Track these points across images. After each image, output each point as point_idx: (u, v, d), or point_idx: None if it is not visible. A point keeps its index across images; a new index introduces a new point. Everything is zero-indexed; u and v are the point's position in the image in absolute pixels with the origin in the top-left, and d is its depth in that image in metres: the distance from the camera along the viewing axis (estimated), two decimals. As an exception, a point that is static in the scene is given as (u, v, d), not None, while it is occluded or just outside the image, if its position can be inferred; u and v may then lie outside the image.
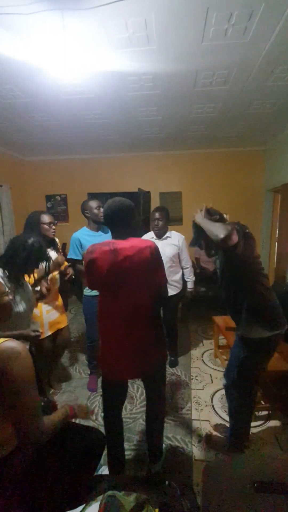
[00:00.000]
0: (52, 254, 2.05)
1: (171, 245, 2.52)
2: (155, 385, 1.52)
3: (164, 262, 2.47)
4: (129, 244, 1.29)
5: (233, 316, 1.57)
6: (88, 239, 2.19)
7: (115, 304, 1.32)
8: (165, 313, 2.65)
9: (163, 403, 1.62)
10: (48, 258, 1.77)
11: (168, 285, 2.51)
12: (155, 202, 4.78)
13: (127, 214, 1.35)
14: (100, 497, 0.95)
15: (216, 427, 1.90)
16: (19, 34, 1.63)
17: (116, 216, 1.34)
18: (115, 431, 1.52)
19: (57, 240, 2.21)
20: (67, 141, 3.87)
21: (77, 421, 1.94)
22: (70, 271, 2.16)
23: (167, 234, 2.56)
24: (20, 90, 2.31)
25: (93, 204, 2.23)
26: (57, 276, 2.14)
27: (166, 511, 0.97)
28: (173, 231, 2.61)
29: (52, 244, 2.11)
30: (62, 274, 2.15)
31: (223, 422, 1.95)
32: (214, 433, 1.86)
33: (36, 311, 1.93)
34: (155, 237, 2.59)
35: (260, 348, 1.46)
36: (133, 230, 1.39)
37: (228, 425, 1.88)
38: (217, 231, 1.31)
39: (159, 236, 2.56)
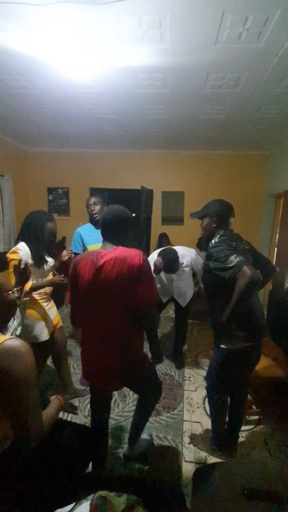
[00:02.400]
0: (49, 260, 1.94)
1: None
2: (142, 390, 1.52)
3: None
4: (114, 255, 1.19)
5: (212, 325, 1.54)
6: (90, 234, 2.26)
7: (93, 318, 1.27)
8: (180, 316, 2.75)
9: (154, 398, 1.58)
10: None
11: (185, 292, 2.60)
12: (157, 201, 4.77)
13: (120, 225, 1.29)
14: (91, 496, 0.95)
15: (207, 430, 1.92)
16: (30, 25, 1.61)
17: (109, 225, 1.29)
18: (100, 433, 1.52)
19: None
20: (72, 134, 3.83)
21: (70, 418, 1.97)
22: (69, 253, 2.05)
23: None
24: (28, 81, 2.28)
25: (88, 200, 2.30)
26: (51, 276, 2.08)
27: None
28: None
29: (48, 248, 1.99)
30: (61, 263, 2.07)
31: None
32: (199, 433, 1.90)
33: (40, 310, 1.88)
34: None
35: (235, 358, 1.44)
36: (126, 242, 1.31)
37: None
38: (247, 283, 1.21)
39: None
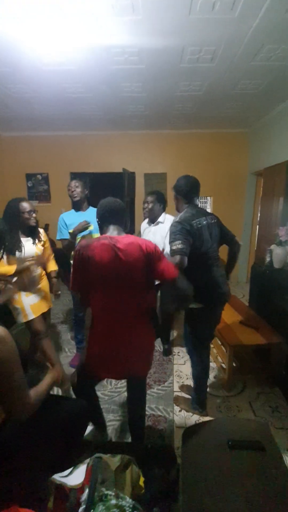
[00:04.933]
0: (28, 245, 1.98)
1: (161, 231, 2.39)
2: (139, 385, 1.52)
3: None
4: (130, 239, 1.26)
5: None
6: (71, 217, 2.31)
7: (109, 303, 1.27)
8: (163, 301, 2.59)
9: (144, 400, 1.58)
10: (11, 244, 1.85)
11: None
12: (139, 184, 4.73)
13: (123, 212, 1.37)
14: (88, 459, 1.02)
15: (182, 387, 2.15)
16: (-8, -7, 1.51)
17: (115, 214, 1.34)
18: (91, 406, 1.50)
19: (40, 231, 2.15)
20: (48, 116, 3.68)
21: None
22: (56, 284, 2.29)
23: (160, 219, 2.43)
24: (-5, 58, 2.15)
25: (70, 183, 2.34)
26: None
27: (148, 470, 1.06)
28: (167, 215, 2.46)
29: (31, 233, 2.03)
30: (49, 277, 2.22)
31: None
32: (181, 394, 2.10)
33: (15, 295, 1.92)
34: (146, 221, 2.52)
35: (198, 317, 1.68)
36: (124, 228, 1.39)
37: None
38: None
39: (152, 221, 2.46)
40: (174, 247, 1.48)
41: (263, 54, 2.18)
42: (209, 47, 2.09)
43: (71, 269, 1.28)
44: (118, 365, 1.33)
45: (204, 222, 1.59)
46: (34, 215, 1.99)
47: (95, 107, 3.35)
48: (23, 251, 1.93)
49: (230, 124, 4.17)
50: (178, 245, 1.47)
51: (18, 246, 1.93)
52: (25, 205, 1.93)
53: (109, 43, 1.99)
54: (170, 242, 1.52)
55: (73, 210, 2.35)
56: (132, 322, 1.29)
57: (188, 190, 1.68)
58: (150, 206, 2.41)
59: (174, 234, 1.52)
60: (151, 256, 1.24)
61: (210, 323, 1.76)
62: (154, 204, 2.41)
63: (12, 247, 1.89)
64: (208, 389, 2.05)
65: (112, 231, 1.32)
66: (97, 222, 1.38)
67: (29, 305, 2.01)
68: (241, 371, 2.22)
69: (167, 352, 2.66)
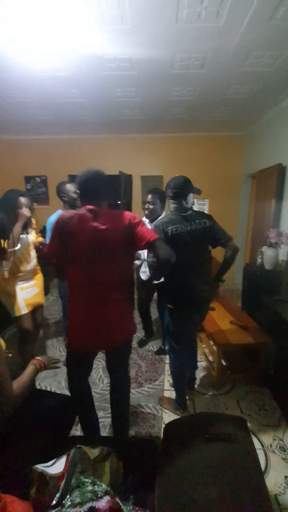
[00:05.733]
0: (22, 238, 2.04)
1: None
2: (122, 357, 1.54)
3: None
4: (108, 213, 1.26)
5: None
6: None
7: (90, 274, 1.27)
8: (160, 301, 2.63)
9: (128, 376, 1.65)
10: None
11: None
12: (136, 186, 4.79)
13: (105, 183, 1.32)
14: (69, 451, 1.06)
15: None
16: (-14, 5, 1.57)
17: (95, 186, 1.30)
18: (84, 401, 1.54)
19: (33, 221, 2.22)
20: (44, 120, 3.76)
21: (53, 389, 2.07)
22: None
23: (159, 218, 2.46)
24: (-9, 65, 2.22)
25: (71, 187, 2.25)
26: (32, 254, 2.14)
27: (128, 462, 1.10)
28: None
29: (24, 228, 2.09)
30: (40, 251, 2.18)
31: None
32: (170, 393, 2.13)
33: (9, 288, 1.97)
34: (148, 221, 2.50)
35: (174, 315, 1.78)
36: (107, 202, 1.36)
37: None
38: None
39: (151, 220, 2.46)
40: None
41: (251, 60, 2.24)
42: (198, 54, 2.15)
43: (50, 236, 1.28)
44: (101, 334, 1.33)
45: (184, 229, 1.59)
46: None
47: (90, 112, 3.42)
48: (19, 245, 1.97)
49: (225, 127, 4.23)
50: None
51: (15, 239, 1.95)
52: (23, 201, 1.98)
53: (101, 51, 2.06)
54: None
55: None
56: (112, 292, 1.31)
57: (174, 193, 1.68)
58: (151, 207, 2.39)
59: None
60: (131, 225, 1.27)
61: (182, 323, 1.78)
62: (155, 204, 2.39)
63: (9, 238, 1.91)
64: (197, 388, 2.10)
65: (92, 204, 1.30)
66: (78, 193, 1.34)
67: (23, 299, 2.04)
68: (231, 370, 2.26)
69: (160, 352, 2.69)
